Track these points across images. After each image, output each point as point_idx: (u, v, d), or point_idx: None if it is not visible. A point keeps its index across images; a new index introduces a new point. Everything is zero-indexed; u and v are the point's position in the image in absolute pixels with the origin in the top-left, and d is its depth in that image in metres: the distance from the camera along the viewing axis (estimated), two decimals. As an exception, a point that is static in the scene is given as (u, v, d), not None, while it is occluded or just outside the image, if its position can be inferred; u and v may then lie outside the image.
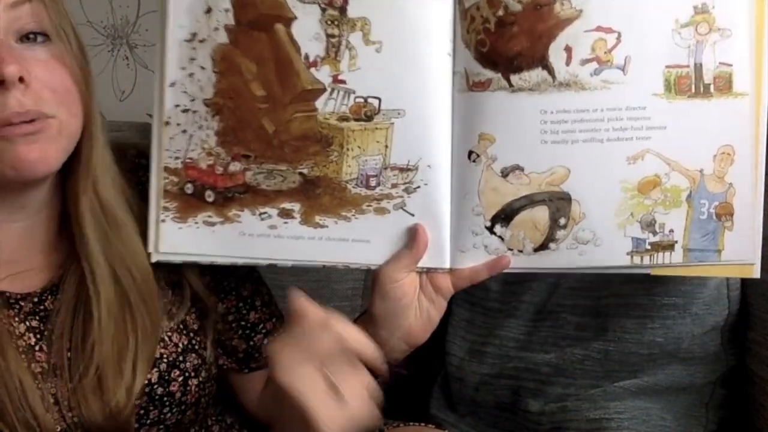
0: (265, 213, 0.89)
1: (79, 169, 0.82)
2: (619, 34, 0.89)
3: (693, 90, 0.89)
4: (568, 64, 0.89)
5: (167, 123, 0.87)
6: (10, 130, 0.74)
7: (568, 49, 0.89)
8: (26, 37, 0.77)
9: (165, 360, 0.87)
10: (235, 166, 0.88)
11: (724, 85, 0.89)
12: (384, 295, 0.89)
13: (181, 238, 0.88)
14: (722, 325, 1.09)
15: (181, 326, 0.90)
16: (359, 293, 0.99)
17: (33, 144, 0.76)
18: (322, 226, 0.89)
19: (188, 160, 0.88)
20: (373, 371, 0.81)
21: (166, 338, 0.88)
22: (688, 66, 0.89)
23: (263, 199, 0.88)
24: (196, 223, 0.88)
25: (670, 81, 0.89)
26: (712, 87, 0.89)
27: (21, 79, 0.74)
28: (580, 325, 1.10)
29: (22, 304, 0.81)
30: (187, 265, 0.89)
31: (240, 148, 0.88)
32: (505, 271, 0.91)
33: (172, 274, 0.90)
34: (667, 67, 0.89)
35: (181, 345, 0.89)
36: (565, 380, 1.09)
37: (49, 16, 0.78)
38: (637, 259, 0.90)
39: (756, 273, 0.89)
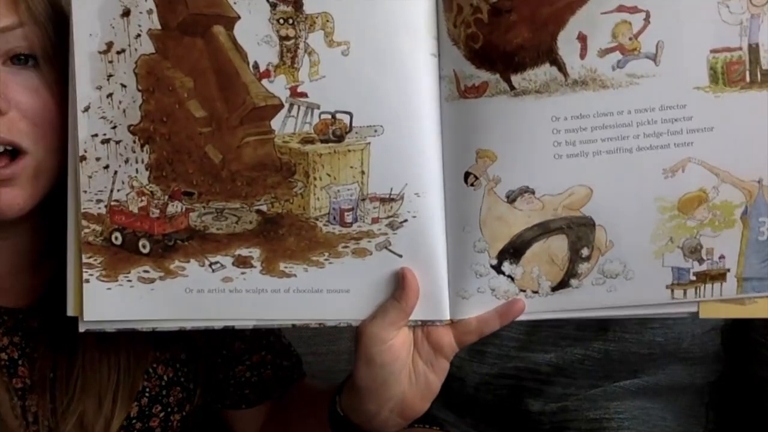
0: (216, 263, 0.62)
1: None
2: (648, 14, 0.59)
3: (748, 79, 0.59)
4: (582, 56, 0.59)
5: (83, 158, 0.62)
6: None
7: (582, 38, 0.59)
8: (17, 59, 0.62)
9: (147, 394, 0.72)
10: (174, 207, 0.62)
11: None
12: (370, 361, 0.62)
13: (112, 301, 0.62)
14: (722, 326, 0.91)
15: (168, 356, 0.73)
16: None
17: (5, 188, 0.61)
18: (289, 276, 0.62)
19: (114, 203, 0.62)
20: None
21: (151, 370, 0.72)
22: (740, 48, 0.59)
23: (213, 245, 0.62)
24: (129, 281, 0.62)
25: (717, 69, 0.59)
26: None
27: None
28: (580, 324, 0.90)
29: (6, 318, 0.68)
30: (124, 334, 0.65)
31: (180, 184, 0.62)
32: (521, 317, 0.64)
33: None
34: (712, 51, 0.59)
35: (165, 377, 0.73)
36: (565, 380, 0.90)
37: (42, 40, 0.62)
38: (679, 293, 0.62)
39: None
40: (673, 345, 0.87)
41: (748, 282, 0.61)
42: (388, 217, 0.61)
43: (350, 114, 0.60)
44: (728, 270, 0.61)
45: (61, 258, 0.64)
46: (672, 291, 0.61)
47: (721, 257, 0.61)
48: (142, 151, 0.61)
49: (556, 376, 0.91)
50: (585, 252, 0.61)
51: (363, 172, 0.61)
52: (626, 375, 0.89)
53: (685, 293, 0.61)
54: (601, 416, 0.87)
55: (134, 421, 0.71)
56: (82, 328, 0.63)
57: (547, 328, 0.92)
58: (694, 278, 0.61)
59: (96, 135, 0.61)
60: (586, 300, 0.62)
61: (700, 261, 0.61)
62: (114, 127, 0.61)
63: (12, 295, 0.68)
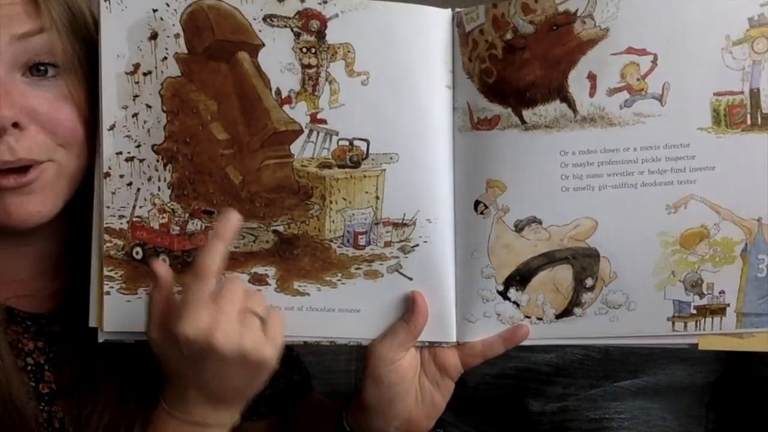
0: None
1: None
2: (655, 57, 0.61)
3: (749, 121, 0.61)
4: (592, 94, 0.62)
5: (107, 174, 0.62)
6: (1, 181, 0.59)
7: (591, 77, 0.62)
8: (36, 69, 0.60)
9: None
10: (194, 225, 0.63)
11: None
12: (378, 381, 0.64)
13: (131, 313, 0.62)
14: None
15: None
16: None
17: (25, 196, 0.60)
18: (303, 294, 0.64)
19: (136, 219, 0.63)
20: None
21: None
22: (742, 92, 0.61)
23: (231, 263, 0.61)
24: (149, 294, 0.61)
25: (720, 111, 0.61)
26: None
27: (15, 124, 0.58)
28: None
29: (29, 323, 0.66)
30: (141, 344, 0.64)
31: (200, 203, 0.63)
32: (524, 343, 0.65)
33: None
34: (715, 94, 0.61)
35: None
36: (565, 380, 0.92)
37: (64, 48, 0.60)
38: (680, 326, 0.64)
39: None
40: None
41: (747, 317, 0.62)
42: (400, 241, 0.63)
43: (367, 141, 0.62)
44: (728, 305, 0.62)
45: (79, 263, 0.65)
46: (673, 323, 0.63)
47: (722, 292, 0.62)
48: (165, 170, 0.62)
49: (556, 376, 0.92)
50: (589, 282, 0.63)
51: (377, 198, 0.62)
52: (626, 375, 0.90)
53: (685, 326, 0.63)
54: (601, 416, 0.89)
55: None
56: (101, 339, 0.63)
57: None
58: (694, 312, 0.62)
59: (120, 153, 0.62)
60: (589, 329, 0.63)
61: (701, 295, 0.62)
62: (138, 146, 0.62)
63: (34, 301, 0.67)
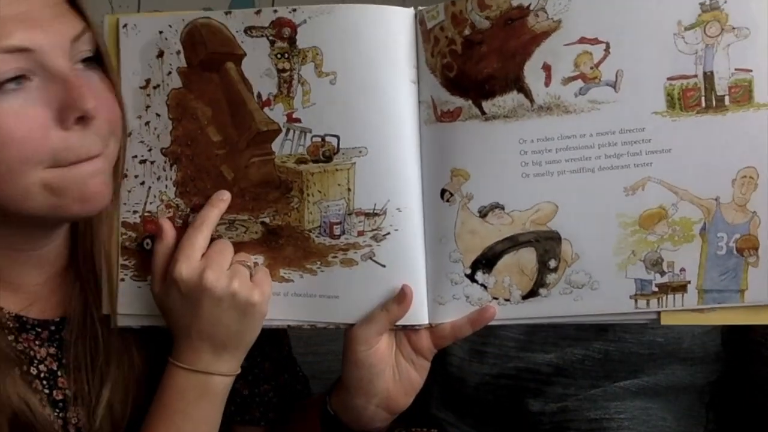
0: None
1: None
2: (608, 45, 0.63)
3: (703, 104, 0.62)
4: (547, 84, 0.64)
5: (125, 176, 0.69)
6: (81, 168, 0.61)
7: (546, 68, 0.64)
8: (81, 63, 0.63)
9: None
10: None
11: (743, 95, 0.62)
12: (357, 363, 0.67)
13: (142, 298, 0.68)
14: (722, 325, 0.90)
15: None
16: None
17: (97, 179, 0.63)
18: (288, 281, 0.68)
19: (147, 214, 0.69)
20: None
21: None
22: (695, 76, 0.62)
23: None
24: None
25: (674, 96, 0.63)
26: (726, 99, 0.62)
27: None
28: (580, 324, 0.87)
29: (39, 330, 0.68)
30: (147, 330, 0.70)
31: (200, 198, 0.68)
32: (494, 323, 0.68)
33: None
34: (669, 79, 0.62)
35: None
36: (565, 380, 0.90)
37: (98, 41, 0.64)
38: (642, 303, 0.65)
39: None
40: (673, 345, 0.87)
41: (709, 294, 0.63)
42: (372, 230, 0.66)
43: (338, 137, 0.65)
44: (689, 282, 0.63)
45: (82, 270, 0.69)
46: (636, 301, 0.64)
47: (682, 270, 0.64)
48: (171, 170, 0.68)
49: (556, 377, 0.91)
50: (552, 263, 0.65)
51: (349, 189, 0.66)
52: (626, 375, 0.89)
53: (648, 303, 0.64)
54: (601, 416, 0.87)
55: None
56: (113, 325, 0.68)
57: (547, 328, 0.92)
58: (656, 289, 0.64)
59: (135, 156, 0.68)
60: (555, 308, 0.66)
61: (662, 273, 0.64)
62: (149, 150, 0.68)
63: (43, 308, 0.69)
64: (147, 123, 0.68)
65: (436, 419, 0.98)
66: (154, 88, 0.68)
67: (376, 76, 0.65)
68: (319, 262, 0.67)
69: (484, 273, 0.66)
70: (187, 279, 0.62)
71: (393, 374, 0.68)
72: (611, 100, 0.62)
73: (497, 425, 0.95)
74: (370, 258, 0.67)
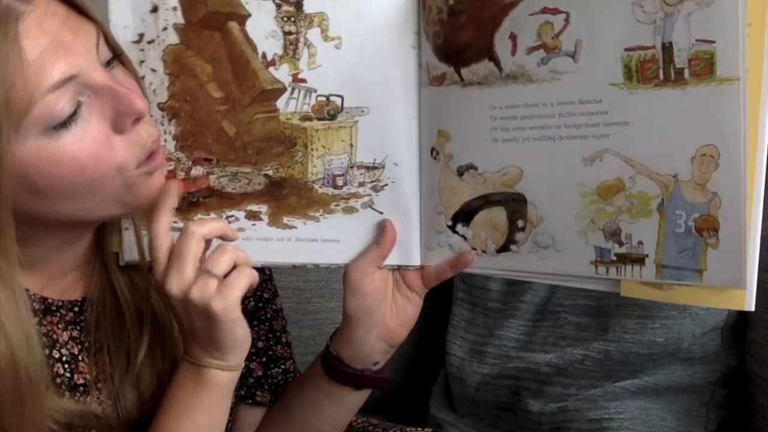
0: (232, 216, 0.73)
1: None
2: (568, 15, 0.63)
3: (661, 77, 0.60)
4: (513, 53, 0.66)
5: None
6: (152, 165, 0.64)
7: (512, 37, 0.66)
8: (107, 64, 0.64)
9: None
10: (197, 171, 0.72)
11: (704, 68, 0.59)
12: (355, 291, 0.74)
13: (146, 246, 0.71)
14: (722, 326, 0.89)
15: None
16: None
17: (158, 173, 0.66)
18: (291, 227, 0.73)
19: None
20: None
21: None
22: (653, 47, 0.60)
23: (229, 202, 0.72)
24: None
25: (631, 67, 0.61)
26: (686, 72, 0.59)
27: None
28: (580, 325, 0.90)
29: (63, 312, 0.68)
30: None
31: (201, 152, 0.71)
32: (473, 271, 0.73)
33: None
34: (626, 50, 0.61)
35: None
36: (565, 380, 0.90)
37: (109, 39, 0.65)
38: (602, 270, 0.66)
39: (748, 304, 0.58)
40: (673, 345, 0.86)
41: (667, 270, 0.62)
42: (372, 181, 0.73)
43: (342, 97, 0.71)
44: (647, 255, 0.62)
45: (105, 250, 0.70)
46: (596, 267, 0.65)
47: (640, 243, 0.63)
48: (170, 124, 0.70)
49: (556, 377, 0.91)
50: (520, 223, 0.68)
51: (351, 145, 0.72)
52: (626, 375, 0.88)
53: (607, 270, 0.64)
54: (601, 416, 0.87)
55: None
56: (122, 263, 0.71)
57: (547, 328, 0.92)
58: (615, 258, 0.64)
59: None
60: (524, 264, 0.69)
61: (620, 243, 0.63)
62: None
63: (65, 288, 0.69)
64: (142, 78, 0.69)
65: (436, 419, 1.01)
66: (149, 42, 0.69)
67: (379, 41, 0.71)
68: (321, 210, 0.72)
69: (463, 225, 0.72)
70: (160, 284, 0.63)
71: (390, 307, 0.75)
72: (571, 71, 0.62)
73: (497, 425, 0.96)
74: (370, 206, 0.74)
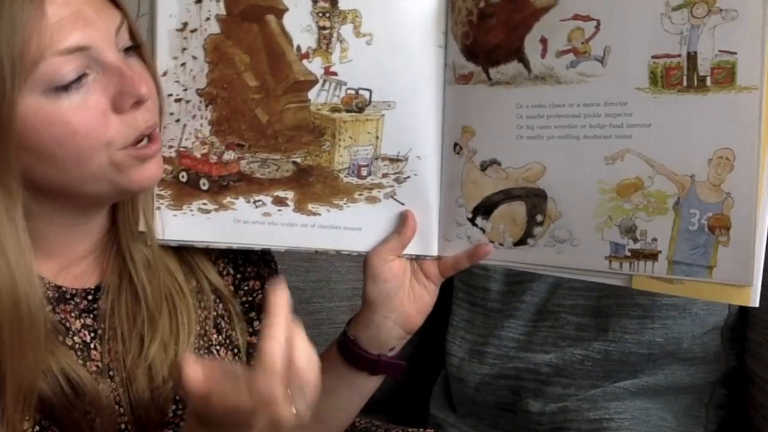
0: (259, 201, 0.75)
1: None
2: (599, 23, 0.67)
3: (685, 83, 0.64)
4: (543, 56, 0.70)
5: (160, 113, 0.72)
6: (143, 151, 0.65)
7: (543, 41, 0.70)
8: (125, 51, 0.66)
9: None
10: (229, 155, 0.74)
11: (725, 77, 0.62)
12: (375, 277, 0.76)
13: (176, 225, 0.74)
14: (722, 326, 0.90)
15: (227, 341, 0.77)
16: (359, 293, 0.80)
17: (154, 162, 0.67)
18: (315, 214, 0.75)
19: (182, 149, 0.74)
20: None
21: (215, 351, 0.76)
22: (678, 55, 0.64)
23: (257, 187, 0.75)
24: (191, 210, 0.75)
25: (657, 73, 0.65)
26: (708, 79, 0.63)
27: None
28: (580, 325, 0.92)
29: (77, 300, 0.69)
30: (183, 248, 0.76)
31: (234, 138, 0.74)
32: (489, 263, 0.77)
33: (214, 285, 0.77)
34: (653, 57, 0.65)
35: (226, 360, 0.76)
36: (565, 380, 0.92)
37: (133, 29, 0.68)
38: (616, 265, 0.70)
39: (753, 300, 0.63)
40: (673, 345, 0.87)
41: (678, 265, 0.66)
42: (395, 173, 0.75)
43: (370, 91, 0.73)
44: (660, 252, 0.66)
45: (121, 237, 0.71)
46: (610, 262, 0.69)
47: (654, 239, 0.67)
48: (206, 109, 0.73)
49: (556, 377, 0.92)
50: (539, 218, 0.71)
51: (377, 137, 0.75)
52: (626, 375, 0.89)
53: (621, 265, 0.68)
54: (601, 417, 0.87)
55: None
56: (150, 242, 0.72)
57: (547, 328, 0.93)
58: (629, 254, 0.68)
59: (171, 95, 0.72)
60: (540, 258, 0.72)
61: (635, 240, 0.67)
62: (185, 90, 0.72)
63: (79, 275, 0.69)
64: (183, 64, 0.72)
65: (436, 419, 1.01)
66: (191, 31, 0.72)
67: (408, 39, 0.74)
68: (345, 199, 0.75)
69: (483, 218, 0.75)
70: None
71: (408, 294, 0.78)
72: (598, 74, 0.66)
73: (497, 426, 0.97)
74: (392, 197, 0.77)
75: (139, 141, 0.65)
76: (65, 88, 0.61)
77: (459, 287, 1.05)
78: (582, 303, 0.92)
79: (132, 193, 0.69)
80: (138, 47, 0.67)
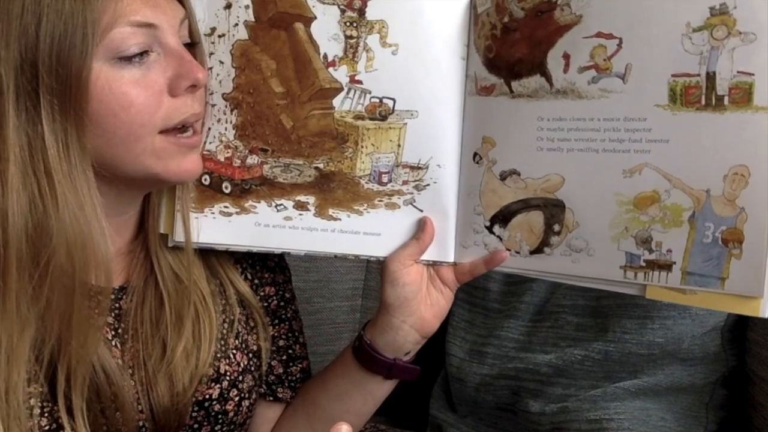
0: (281, 205, 0.76)
1: None
2: (621, 41, 0.69)
3: (703, 102, 0.66)
4: (565, 71, 0.72)
5: None
6: (185, 140, 0.68)
7: (566, 56, 0.71)
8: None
9: (227, 377, 0.76)
10: (252, 159, 0.76)
11: (742, 97, 0.64)
12: (393, 282, 0.77)
13: (197, 227, 0.76)
14: (722, 326, 0.89)
15: (243, 345, 0.79)
16: (359, 293, 0.79)
17: (194, 155, 0.70)
18: (336, 219, 0.77)
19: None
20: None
21: (231, 355, 0.77)
22: (698, 75, 0.66)
23: (279, 191, 0.76)
24: (213, 213, 0.76)
25: (676, 91, 0.67)
26: (726, 99, 0.65)
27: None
28: (580, 325, 0.91)
29: (101, 298, 0.70)
30: (203, 250, 0.77)
31: (258, 142, 0.75)
32: (504, 270, 0.78)
33: (235, 291, 0.79)
34: (673, 76, 0.67)
35: (242, 364, 0.78)
36: (565, 381, 0.91)
37: (193, 28, 0.71)
38: (630, 275, 0.72)
39: (763, 311, 0.65)
40: (673, 345, 0.87)
41: (691, 276, 0.68)
42: (415, 180, 0.77)
43: (394, 100, 0.75)
44: (674, 263, 0.68)
45: (150, 238, 0.72)
46: (625, 271, 0.70)
47: (669, 250, 0.68)
48: (231, 114, 0.74)
49: (556, 377, 0.91)
50: (556, 227, 0.73)
51: (399, 145, 0.76)
52: (626, 375, 0.88)
53: (635, 275, 0.70)
54: (601, 417, 0.87)
55: (214, 402, 0.74)
56: (170, 244, 0.74)
57: (547, 329, 0.93)
58: (644, 264, 0.70)
59: None
60: (556, 266, 0.74)
61: (650, 251, 0.69)
62: (211, 94, 0.73)
63: (111, 275, 0.69)
64: (210, 69, 0.73)
65: (436, 420, 1.02)
66: (219, 36, 0.73)
67: (433, 51, 0.76)
68: (366, 204, 0.76)
69: (500, 227, 0.77)
70: None
71: (425, 299, 0.79)
72: (619, 90, 0.68)
73: (497, 426, 0.97)
74: (411, 204, 0.78)
75: (182, 130, 0.67)
76: (129, 59, 0.64)
77: (459, 287, 1.06)
78: (582, 303, 0.92)
79: (165, 184, 0.70)
80: (195, 45, 0.69)
